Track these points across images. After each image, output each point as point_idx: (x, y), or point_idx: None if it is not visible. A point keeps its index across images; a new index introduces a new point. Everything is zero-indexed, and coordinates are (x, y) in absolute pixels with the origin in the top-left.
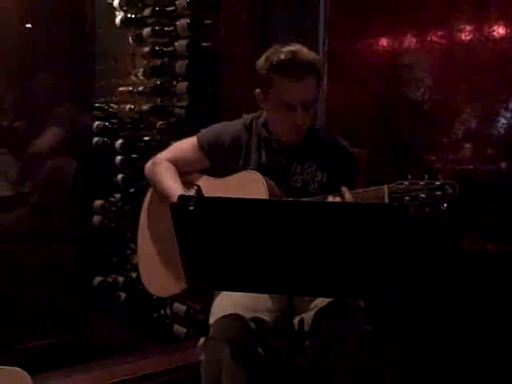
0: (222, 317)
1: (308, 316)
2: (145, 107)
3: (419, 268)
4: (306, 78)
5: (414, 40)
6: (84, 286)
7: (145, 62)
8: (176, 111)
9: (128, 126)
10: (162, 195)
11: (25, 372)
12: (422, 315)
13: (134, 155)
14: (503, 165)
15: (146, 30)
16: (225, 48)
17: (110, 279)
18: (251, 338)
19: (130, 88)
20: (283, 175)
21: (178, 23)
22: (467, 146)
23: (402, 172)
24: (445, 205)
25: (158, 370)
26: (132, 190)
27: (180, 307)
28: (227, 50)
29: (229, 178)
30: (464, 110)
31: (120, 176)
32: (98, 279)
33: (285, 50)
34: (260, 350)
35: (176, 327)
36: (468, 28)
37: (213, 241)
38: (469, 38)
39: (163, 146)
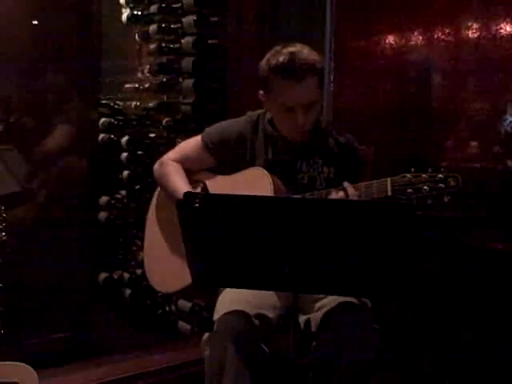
0: (226, 313)
1: (315, 316)
2: (151, 104)
3: (422, 266)
4: (305, 80)
5: (420, 38)
6: (89, 283)
7: (151, 58)
8: (182, 108)
9: (134, 123)
10: (169, 195)
11: (30, 368)
12: (422, 314)
13: (139, 152)
14: (510, 163)
15: (153, 27)
16: (231, 45)
17: (115, 276)
18: (255, 334)
19: (136, 85)
20: (289, 172)
21: (184, 20)
22: (474, 143)
23: (409, 170)
24: (448, 197)
25: (163, 366)
26: (138, 187)
27: (185, 304)
28: (234, 47)
29: (235, 176)
30: (471, 107)
31: (126, 173)
32: (103, 275)
33: (284, 52)
34: (264, 346)
35: (181, 324)
36: (475, 26)
37: (218, 238)
38: (476, 35)
39: (169, 142)
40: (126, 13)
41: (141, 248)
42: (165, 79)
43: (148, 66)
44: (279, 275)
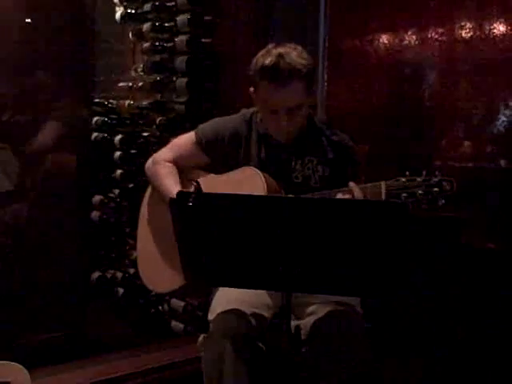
0: (223, 312)
1: (305, 323)
2: (144, 103)
3: (420, 266)
4: (289, 84)
5: (414, 37)
6: (82, 282)
7: (145, 57)
8: (175, 107)
9: (127, 122)
10: (161, 194)
11: (22, 367)
12: (421, 313)
13: (133, 151)
14: (503, 162)
15: (146, 26)
16: (225, 44)
17: (108, 274)
18: (253, 333)
19: (130, 83)
20: (283, 171)
21: (178, 19)
22: (467, 143)
23: (403, 169)
24: (442, 201)
25: (156, 365)
26: (131, 186)
27: (178, 303)
28: (227, 46)
29: (228, 174)
30: (465, 107)
31: (119, 171)
32: (96, 274)
33: (273, 53)
34: (261, 345)
35: (174, 323)
36: (469, 25)
37: (211, 237)
38: (470, 35)
39: (162, 141)
40: (119, 11)
41: (134, 247)
42: (158, 78)
43: (142, 65)
44: (273, 274)
